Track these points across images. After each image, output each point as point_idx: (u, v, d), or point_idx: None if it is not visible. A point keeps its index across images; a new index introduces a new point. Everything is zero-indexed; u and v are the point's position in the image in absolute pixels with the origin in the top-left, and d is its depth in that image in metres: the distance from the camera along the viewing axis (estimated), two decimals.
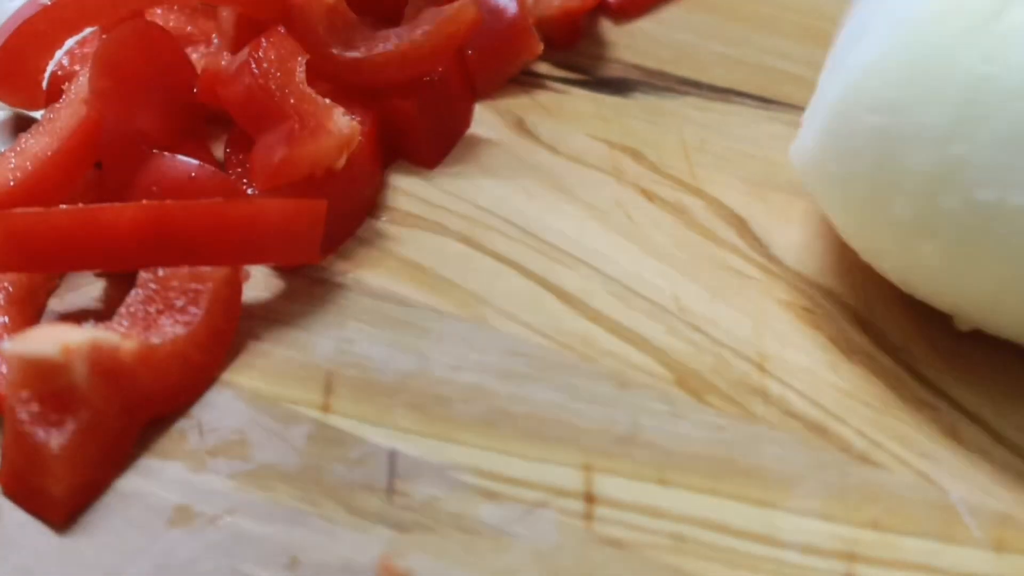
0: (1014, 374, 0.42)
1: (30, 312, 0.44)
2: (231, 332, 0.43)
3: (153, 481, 0.39)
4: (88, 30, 0.51)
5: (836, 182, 0.42)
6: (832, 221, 0.44)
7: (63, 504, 0.38)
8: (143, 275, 0.42)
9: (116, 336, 0.39)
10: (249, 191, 0.47)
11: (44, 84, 0.51)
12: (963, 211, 0.38)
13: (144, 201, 0.42)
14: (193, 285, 0.42)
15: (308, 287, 0.45)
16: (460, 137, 0.53)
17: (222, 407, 0.41)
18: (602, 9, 0.60)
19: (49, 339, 0.37)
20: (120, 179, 0.46)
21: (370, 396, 0.41)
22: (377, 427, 0.41)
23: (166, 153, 0.46)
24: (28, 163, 0.45)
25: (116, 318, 0.41)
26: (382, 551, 0.37)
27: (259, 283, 0.46)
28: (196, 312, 0.41)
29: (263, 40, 0.47)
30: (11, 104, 0.52)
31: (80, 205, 0.44)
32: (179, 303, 0.41)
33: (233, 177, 0.48)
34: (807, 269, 0.46)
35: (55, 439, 0.37)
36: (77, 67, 0.51)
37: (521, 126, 0.53)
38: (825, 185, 0.43)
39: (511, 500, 0.38)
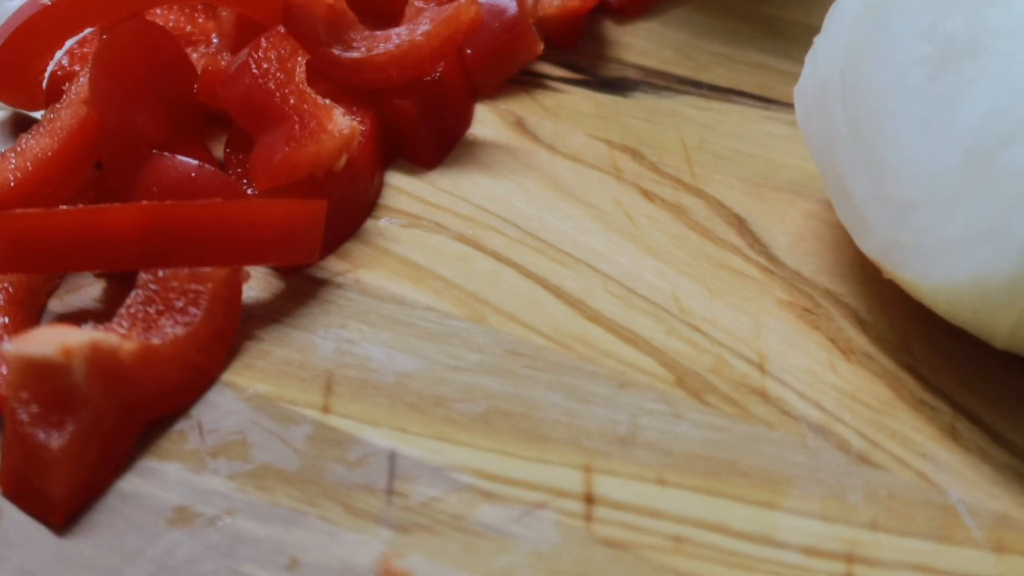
0: (1013, 374, 0.42)
1: (30, 313, 0.44)
2: (231, 333, 0.43)
3: (153, 482, 0.39)
4: (88, 30, 0.51)
5: None
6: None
7: (63, 505, 0.38)
8: (143, 276, 0.42)
9: (116, 337, 0.39)
10: (249, 191, 0.47)
11: (44, 84, 0.51)
12: None
13: (144, 201, 0.42)
14: (193, 286, 0.42)
15: (308, 287, 0.45)
16: (460, 137, 0.53)
17: (222, 408, 0.41)
18: (602, 9, 0.60)
19: (49, 340, 0.37)
20: (120, 179, 0.46)
21: (370, 396, 0.41)
22: (377, 428, 0.41)
23: (166, 153, 0.46)
24: (28, 163, 0.45)
25: (116, 319, 0.41)
26: (381, 552, 0.37)
27: (259, 283, 0.46)
28: (196, 313, 0.41)
29: (263, 40, 0.47)
30: (11, 104, 0.52)
31: (80, 205, 0.44)
32: (179, 304, 0.42)
33: (233, 177, 0.48)
34: (806, 269, 0.46)
35: (55, 440, 0.37)
36: (77, 67, 0.51)
37: (521, 126, 0.53)
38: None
39: (510, 501, 0.38)
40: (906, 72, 0.40)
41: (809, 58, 0.45)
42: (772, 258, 0.47)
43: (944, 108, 0.39)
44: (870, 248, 0.42)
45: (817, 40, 0.45)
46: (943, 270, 0.39)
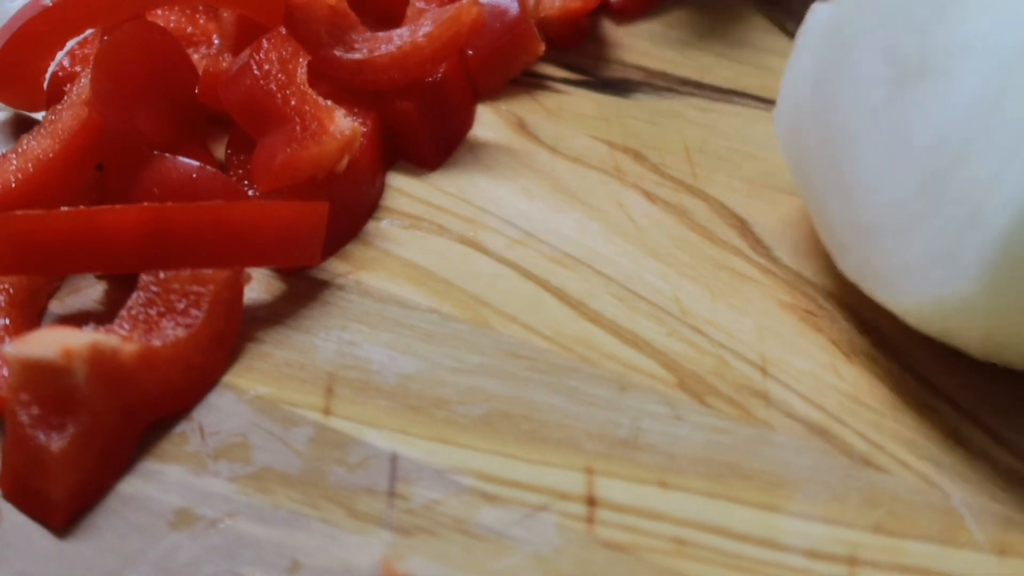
0: (1016, 376, 0.42)
1: (31, 315, 0.44)
2: (232, 334, 0.43)
3: (154, 484, 0.39)
4: (89, 31, 0.51)
5: None
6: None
7: (63, 507, 0.38)
8: (144, 277, 0.42)
9: (117, 339, 0.39)
10: (250, 193, 0.47)
11: (45, 85, 0.51)
12: None
13: (145, 203, 0.42)
14: (194, 287, 0.42)
15: (309, 289, 0.45)
16: (462, 138, 0.52)
17: (223, 410, 0.41)
18: (604, 10, 0.60)
19: (50, 342, 0.37)
20: (121, 181, 0.46)
21: (371, 399, 0.41)
22: (378, 430, 0.40)
23: (167, 155, 0.46)
24: (29, 165, 0.45)
25: (117, 321, 0.41)
26: (383, 554, 0.37)
27: (260, 285, 0.46)
28: (197, 315, 0.41)
29: (264, 41, 0.47)
30: (12, 105, 0.52)
31: (81, 207, 0.44)
32: (180, 305, 0.41)
33: (234, 179, 0.48)
34: (809, 271, 0.46)
35: (55, 442, 0.37)
36: (78, 68, 0.51)
37: (522, 127, 0.53)
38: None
39: (512, 503, 0.38)
40: (868, 94, 0.40)
41: (783, 81, 0.45)
42: (774, 260, 0.47)
43: (902, 130, 0.38)
44: (847, 270, 0.43)
45: (789, 63, 0.45)
46: (907, 294, 0.39)
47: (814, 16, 0.44)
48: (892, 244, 0.39)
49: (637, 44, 0.58)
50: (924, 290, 0.38)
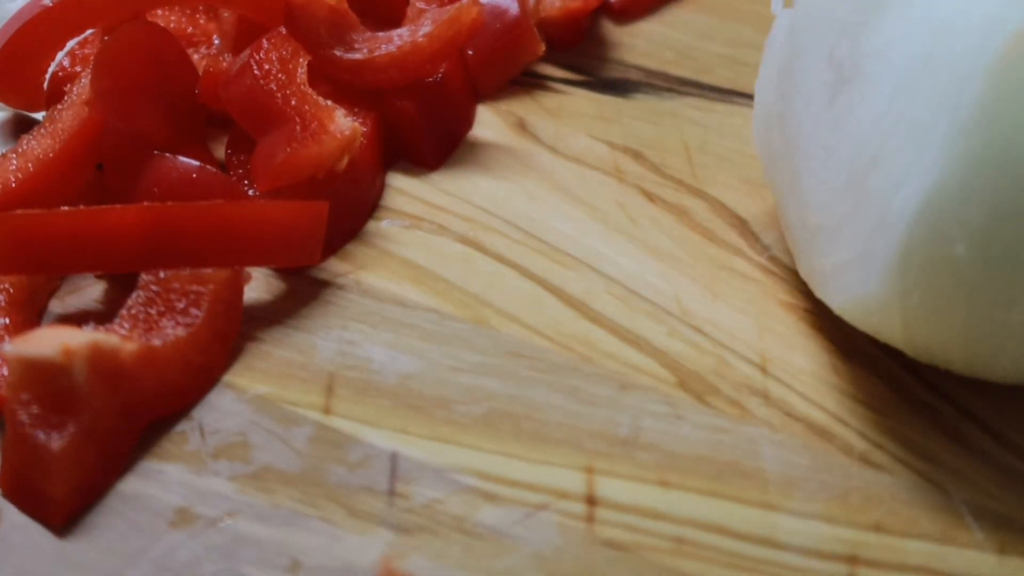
0: None
1: (31, 314, 0.44)
2: (232, 334, 0.43)
3: (154, 483, 0.39)
4: (89, 31, 0.51)
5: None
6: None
7: (63, 506, 0.38)
8: (144, 277, 0.42)
9: (117, 338, 0.39)
10: (250, 192, 0.47)
11: (45, 85, 0.51)
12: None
13: (145, 203, 0.42)
14: (194, 287, 0.42)
15: (309, 289, 0.45)
16: (462, 138, 0.52)
17: (223, 409, 0.41)
18: (604, 10, 0.60)
19: (50, 341, 0.37)
20: (121, 180, 0.46)
21: (371, 398, 0.41)
22: (378, 429, 0.40)
23: (167, 154, 0.46)
24: (30, 164, 0.45)
25: (117, 320, 0.41)
26: (383, 553, 0.37)
27: (260, 285, 0.46)
28: (197, 314, 0.41)
29: (264, 41, 0.47)
30: (12, 105, 0.52)
31: (81, 207, 0.44)
32: (180, 305, 0.41)
33: (234, 178, 0.48)
34: None
35: (55, 441, 0.37)
36: (78, 68, 0.51)
37: (522, 127, 0.53)
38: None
39: (512, 502, 0.38)
40: (814, 98, 0.41)
41: (756, 88, 0.46)
42: (774, 259, 0.47)
43: (836, 133, 0.39)
44: (800, 270, 0.43)
45: (760, 70, 0.46)
46: (835, 293, 0.40)
47: (777, 22, 0.44)
48: (825, 245, 0.40)
49: (637, 44, 0.58)
50: (846, 290, 0.39)
